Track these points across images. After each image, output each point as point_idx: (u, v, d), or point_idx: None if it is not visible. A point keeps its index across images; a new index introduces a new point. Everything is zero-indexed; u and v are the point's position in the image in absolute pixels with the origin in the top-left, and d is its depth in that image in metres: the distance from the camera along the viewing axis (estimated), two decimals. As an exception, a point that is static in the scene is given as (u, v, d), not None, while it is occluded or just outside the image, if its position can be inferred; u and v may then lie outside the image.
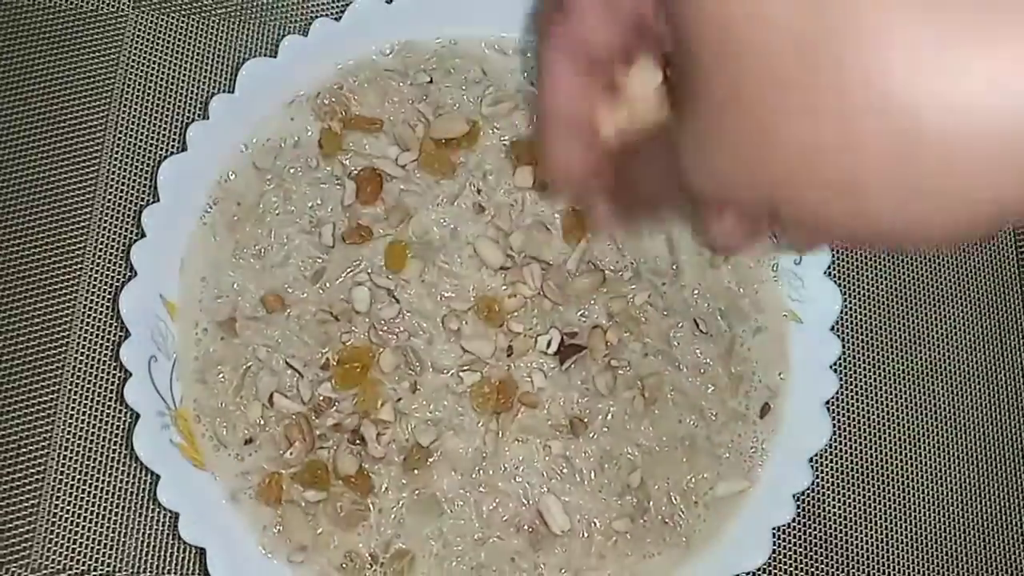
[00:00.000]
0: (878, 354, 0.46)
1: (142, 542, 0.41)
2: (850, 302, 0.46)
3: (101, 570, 0.41)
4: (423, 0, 0.44)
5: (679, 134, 0.23)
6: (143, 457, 0.38)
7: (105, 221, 0.44)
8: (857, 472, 0.44)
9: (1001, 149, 0.19)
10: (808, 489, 0.41)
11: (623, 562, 0.40)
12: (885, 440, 0.45)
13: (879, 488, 0.44)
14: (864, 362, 0.46)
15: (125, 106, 0.46)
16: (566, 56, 0.28)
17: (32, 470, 0.41)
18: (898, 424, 0.45)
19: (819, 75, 0.20)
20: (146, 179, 0.45)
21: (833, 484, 0.44)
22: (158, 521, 0.41)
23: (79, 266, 0.43)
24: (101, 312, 0.43)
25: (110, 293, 0.43)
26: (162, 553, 0.41)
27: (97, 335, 0.43)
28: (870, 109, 0.20)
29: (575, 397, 0.41)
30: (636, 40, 0.27)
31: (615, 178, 0.28)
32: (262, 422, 0.40)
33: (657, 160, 0.25)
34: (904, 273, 0.47)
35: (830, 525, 0.44)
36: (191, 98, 0.46)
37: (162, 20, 0.47)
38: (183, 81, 0.46)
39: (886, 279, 0.47)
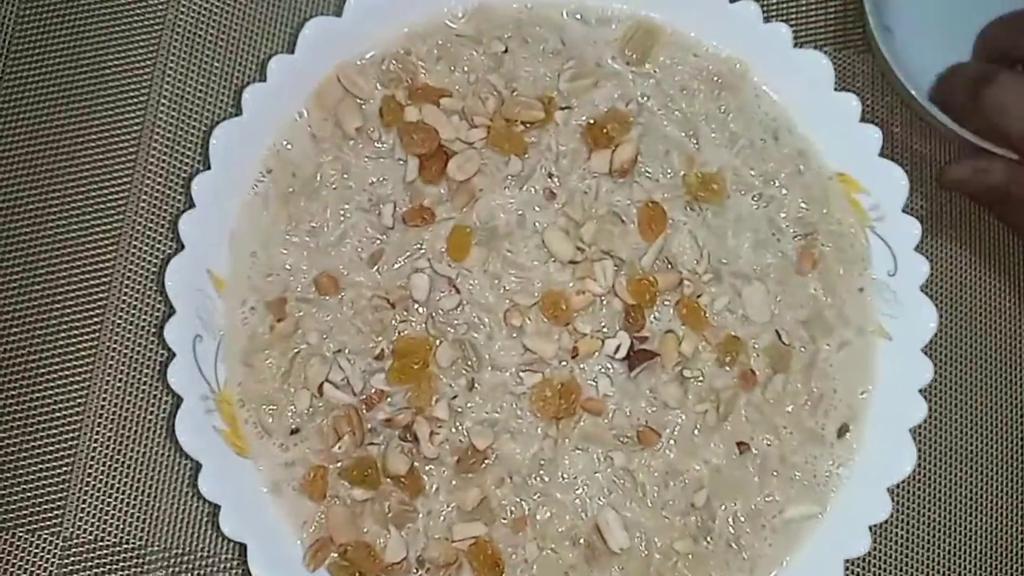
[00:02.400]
0: (970, 379, 0.42)
1: (174, 516, 0.39)
2: (946, 321, 0.42)
3: (132, 543, 0.39)
4: (501, -40, 0.40)
5: None
6: (185, 444, 0.36)
7: (147, 188, 0.41)
8: (941, 506, 0.41)
9: None
10: (886, 521, 0.38)
11: (682, 584, 0.38)
12: (973, 473, 0.42)
13: (964, 524, 0.42)
14: (955, 387, 0.42)
15: (173, 62, 0.43)
16: None
17: (66, 440, 0.40)
18: (988, 457, 0.42)
19: None
20: (194, 144, 0.42)
21: (913, 517, 0.41)
22: (191, 496, 0.39)
23: (118, 235, 0.41)
24: (142, 285, 0.41)
25: (154, 265, 0.41)
26: (194, 529, 0.39)
27: (136, 310, 0.41)
28: None
29: (642, 406, 0.38)
30: None
31: None
32: (310, 411, 0.38)
33: None
34: (1004, 293, 0.43)
35: (908, 561, 0.41)
36: (247, 58, 0.43)
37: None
38: (239, 38, 0.43)
39: (986, 299, 0.43)
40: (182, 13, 0.43)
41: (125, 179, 0.42)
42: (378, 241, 0.39)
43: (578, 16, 0.41)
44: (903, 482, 0.38)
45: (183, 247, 0.37)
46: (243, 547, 0.36)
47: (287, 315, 0.38)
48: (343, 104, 0.39)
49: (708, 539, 0.38)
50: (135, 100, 0.42)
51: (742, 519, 0.38)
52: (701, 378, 0.39)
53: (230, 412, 0.37)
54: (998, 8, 0.42)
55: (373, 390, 0.38)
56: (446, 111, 0.40)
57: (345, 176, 0.39)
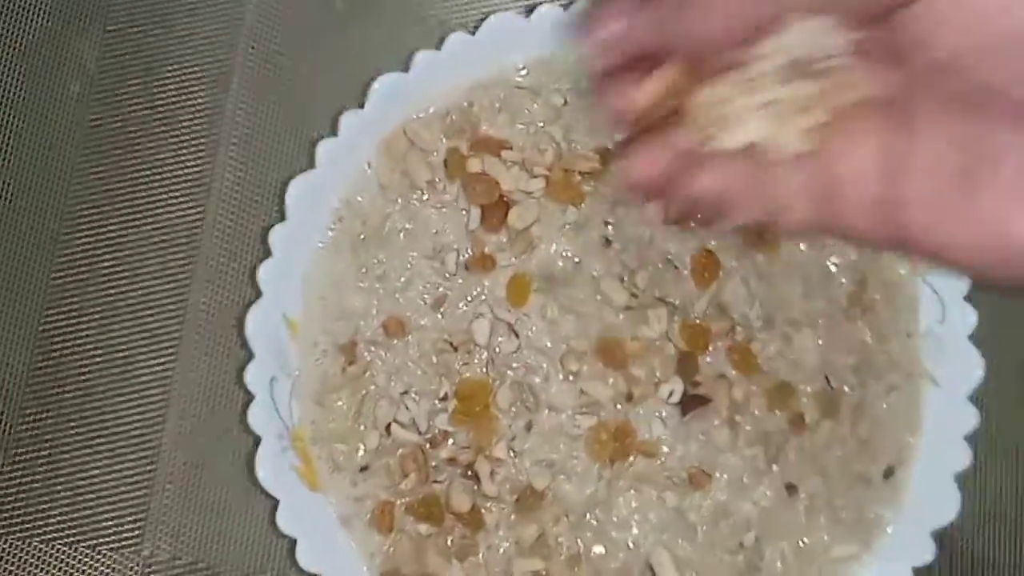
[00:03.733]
0: (1017, 427, 0.43)
1: (246, 540, 0.42)
2: (993, 370, 0.43)
3: (207, 563, 0.42)
4: (562, 13, 0.42)
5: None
6: (264, 482, 0.38)
7: (218, 237, 0.44)
8: (984, 550, 0.43)
9: None
10: (931, 564, 0.39)
11: (730, 620, 0.39)
12: (1017, 519, 0.43)
13: (1008, 569, 0.43)
14: (1001, 435, 0.43)
15: (240, 118, 0.45)
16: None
17: (144, 467, 0.43)
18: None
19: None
20: (262, 192, 0.44)
21: (957, 560, 0.42)
22: (263, 521, 0.42)
23: (190, 279, 0.44)
24: (216, 324, 0.44)
25: (227, 311, 0.44)
26: (265, 552, 0.42)
27: (212, 347, 0.43)
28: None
29: (694, 449, 0.40)
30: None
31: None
32: (378, 450, 0.40)
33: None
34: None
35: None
36: (314, 111, 0.45)
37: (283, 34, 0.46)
38: (310, 92, 0.45)
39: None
40: (248, 69, 0.45)
41: (196, 229, 0.44)
42: (442, 287, 0.41)
43: (634, 67, 0.43)
44: (948, 526, 0.39)
45: (260, 294, 0.40)
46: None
47: (357, 358, 0.40)
48: (409, 156, 0.41)
49: (756, 577, 0.40)
50: (203, 156, 0.45)
51: (790, 558, 0.40)
52: (751, 423, 0.40)
53: (304, 449, 0.40)
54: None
55: (437, 430, 0.40)
56: (507, 162, 0.41)
57: (411, 224, 0.41)
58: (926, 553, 0.39)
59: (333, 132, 0.41)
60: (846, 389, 0.41)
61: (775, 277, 0.41)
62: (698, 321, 0.41)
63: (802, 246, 0.42)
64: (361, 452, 0.40)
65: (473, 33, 0.41)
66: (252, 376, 0.39)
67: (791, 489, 0.40)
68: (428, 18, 0.46)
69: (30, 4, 0.46)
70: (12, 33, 0.45)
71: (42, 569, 0.42)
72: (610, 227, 0.42)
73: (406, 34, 0.46)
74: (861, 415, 0.41)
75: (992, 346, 0.43)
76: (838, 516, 0.40)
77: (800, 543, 0.40)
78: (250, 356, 0.39)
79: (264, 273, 0.39)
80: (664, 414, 0.40)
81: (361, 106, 0.41)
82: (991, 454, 0.43)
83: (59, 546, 0.42)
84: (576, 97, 0.42)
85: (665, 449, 0.40)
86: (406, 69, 0.41)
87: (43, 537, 0.42)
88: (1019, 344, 0.44)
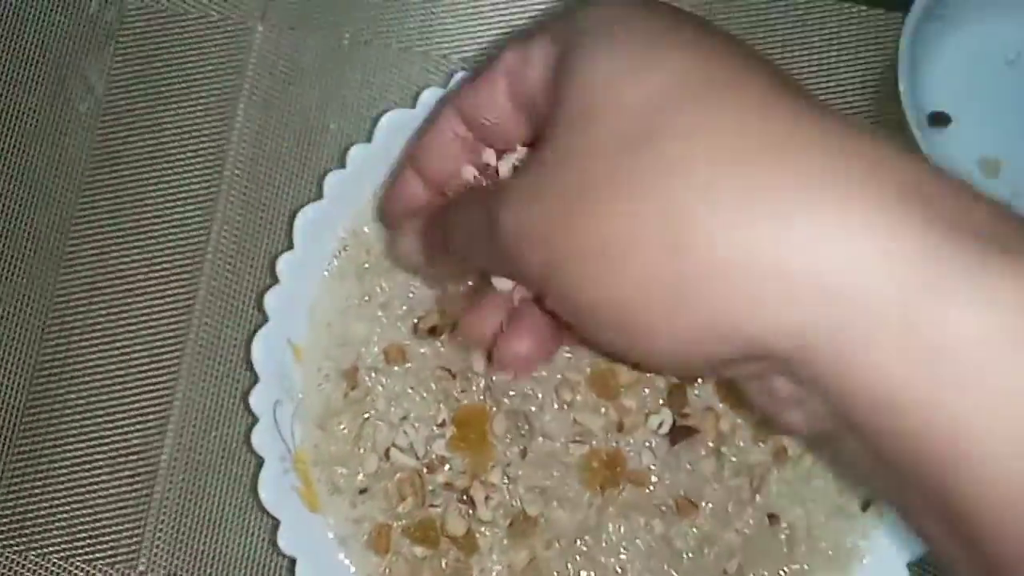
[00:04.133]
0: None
1: (244, 558, 0.43)
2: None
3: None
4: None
5: (509, 190, 0.26)
6: (266, 503, 0.39)
7: (222, 263, 0.45)
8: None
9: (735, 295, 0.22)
10: (906, 594, 0.41)
11: (713, 644, 0.41)
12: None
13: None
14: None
15: (245, 147, 0.46)
16: (458, 114, 0.32)
17: (143, 483, 0.44)
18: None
19: (623, 177, 0.23)
20: (266, 220, 0.46)
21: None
22: (261, 540, 0.43)
23: (192, 303, 0.45)
24: (218, 347, 0.45)
25: (230, 335, 0.45)
26: (262, 570, 0.43)
27: (213, 369, 0.44)
28: (646, 216, 0.23)
29: (681, 478, 0.42)
30: (521, 126, 0.30)
31: (434, 222, 0.32)
32: (377, 473, 0.41)
33: (475, 220, 0.28)
34: None
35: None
36: (321, 144, 0.46)
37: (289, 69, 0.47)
38: (315, 125, 0.46)
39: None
40: (255, 97, 0.47)
41: (200, 253, 0.45)
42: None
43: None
44: (923, 558, 0.41)
45: (266, 319, 0.41)
46: (314, 596, 0.39)
47: (359, 383, 0.42)
48: (414, 189, 0.43)
49: (739, 603, 0.41)
50: (208, 182, 0.46)
51: (771, 586, 0.42)
52: (737, 454, 0.42)
53: (305, 471, 0.41)
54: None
55: (435, 455, 0.41)
56: (508, 197, 0.43)
57: (413, 255, 0.43)
58: (901, 583, 0.41)
59: (341, 164, 0.42)
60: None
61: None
62: (688, 355, 0.42)
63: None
64: (360, 475, 0.41)
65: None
66: (257, 399, 0.40)
67: (773, 519, 0.42)
68: (432, 54, 0.48)
69: (41, 26, 0.47)
70: (21, 54, 0.46)
71: (38, 583, 0.43)
72: (605, 262, 0.43)
73: (411, 68, 0.47)
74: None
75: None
76: (817, 546, 0.42)
77: (781, 571, 0.42)
78: (255, 380, 0.40)
79: (271, 300, 0.41)
80: (653, 444, 0.42)
81: (368, 139, 0.42)
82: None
83: (55, 560, 0.43)
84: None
85: (654, 478, 0.42)
86: (413, 105, 0.42)
87: (39, 551, 0.43)
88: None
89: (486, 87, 0.30)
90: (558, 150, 0.25)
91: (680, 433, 0.42)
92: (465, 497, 0.41)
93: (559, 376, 0.42)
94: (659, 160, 0.23)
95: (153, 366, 0.44)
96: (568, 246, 0.24)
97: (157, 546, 0.43)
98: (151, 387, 0.44)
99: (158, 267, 0.45)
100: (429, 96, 0.42)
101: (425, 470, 0.41)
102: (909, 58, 0.44)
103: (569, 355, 0.42)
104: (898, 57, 0.44)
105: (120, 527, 0.43)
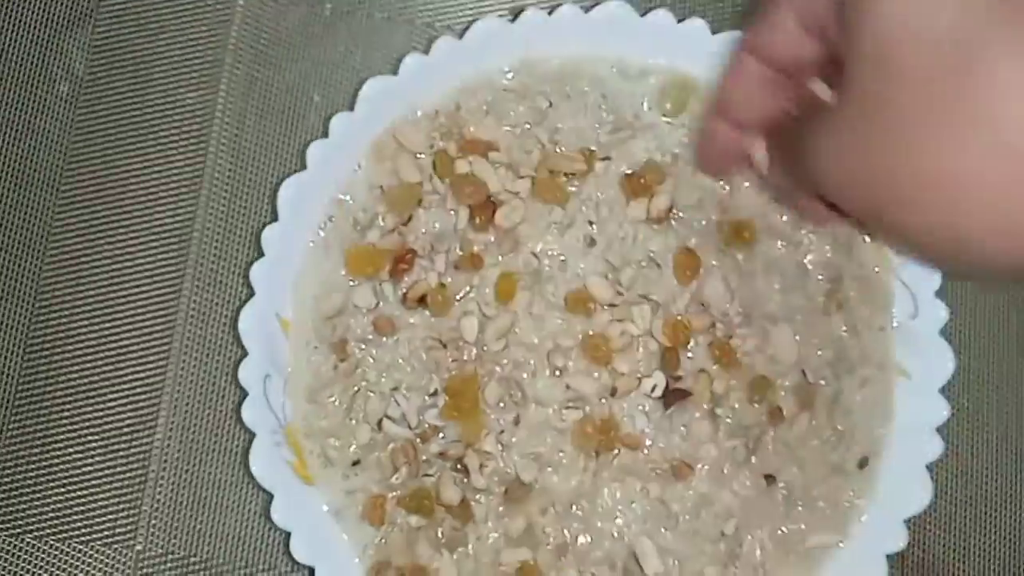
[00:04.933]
0: (987, 419, 0.45)
1: (239, 534, 0.43)
2: (963, 363, 0.45)
3: (200, 557, 0.43)
4: (546, 18, 0.43)
5: (822, 127, 0.27)
6: (259, 477, 0.39)
7: (210, 237, 0.45)
8: (955, 537, 0.44)
9: None
10: (904, 550, 0.41)
11: (711, 606, 0.41)
12: (987, 507, 0.45)
13: (978, 555, 0.44)
14: (972, 426, 0.45)
15: (229, 120, 0.46)
16: (752, 53, 0.33)
17: (138, 462, 0.43)
18: (1002, 492, 0.45)
19: (943, 110, 0.23)
20: (252, 193, 0.45)
21: (929, 547, 0.44)
22: (257, 515, 0.43)
23: (181, 279, 0.44)
24: (210, 325, 0.44)
25: (219, 310, 0.44)
26: (259, 545, 0.43)
27: (206, 347, 0.44)
28: (984, 146, 0.22)
29: (676, 441, 0.41)
30: (816, 50, 0.30)
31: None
32: (370, 444, 0.41)
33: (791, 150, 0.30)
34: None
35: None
36: (306, 114, 0.46)
37: (274, 36, 0.46)
38: (298, 94, 0.46)
39: (1003, 343, 0.46)
40: (238, 70, 0.46)
41: (187, 229, 0.45)
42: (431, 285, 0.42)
43: (616, 70, 0.44)
44: (920, 514, 0.41)
45: (253, 293, 0.40)
46: (309, 567, 0.39)
47: (348, 355, 0.41)
48: (399, 157, 0.42)
49: (736, 565, 0.41)
50: (193, 157, 0.46)
51: (768, 546, 0.41)
52: (731, 415, 0.42)
53: (297, 444, 0.41)
54: None
55: (427, 425, 0.41)
56: (494, 163, 0.43)
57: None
58: (899, 540, 0.40)
59: (324, 134, 0.41)
60: (822, 382, 0.42)
61: (753, 274, 0.43)
62: (680, 317, 0.42)
63: (779, 244, 0.43)
64: (353, 447, 0.41)
65: (460, 37, 0.42)
66: (246, 373, 0.40)
67: (769, 479, 0.41)
68: (416, 22, 0.47)
69: (18, 5, 0.46)
70: (0, 35, 0.46)
71: (34, 564, 0.42)
72: (594, 227, 0.43)
73: (394, 37, 0.47)
74: (836, 407, 0.42)
75: (963, 341, 0.45)
76: (814, 505, 0.42)
77: (779, 531, 0.41)
78: (244, 354, 0.40)
79: (257, 272, 0.40)
80: (647, 407, 0.41)
81: (351, 108, 0.42)
82: (961, 445, 0.45)
83: (52, 541, 0.43)
84: (561, 99, 0.43)
85: (648, 441, 0.41)
86: (395, 72, 0.42)
87: (35, 533, 0.43)
88: (988, 339, 0.46)
89: (776, 19, 0.31)
90: (866, 87, 0.25)
91: (674, 396, 0.41)
92: (459, 466, 0.41)
93: (551, 342, 0.42)
94: (990, 85, 0.22)
95: (143, 345, 0.44)
96: (896, 183, 0.24)
97: (154, 525, 0.43)
98: (142, 366, 0.44)
99: (145, 246, 0.45)
100: (411, 63, 0.42)
101: (418, 440, 0.41)
102: None
103: (561, 321, 0.42)
104: None
105: (116, 507, 0.43)
